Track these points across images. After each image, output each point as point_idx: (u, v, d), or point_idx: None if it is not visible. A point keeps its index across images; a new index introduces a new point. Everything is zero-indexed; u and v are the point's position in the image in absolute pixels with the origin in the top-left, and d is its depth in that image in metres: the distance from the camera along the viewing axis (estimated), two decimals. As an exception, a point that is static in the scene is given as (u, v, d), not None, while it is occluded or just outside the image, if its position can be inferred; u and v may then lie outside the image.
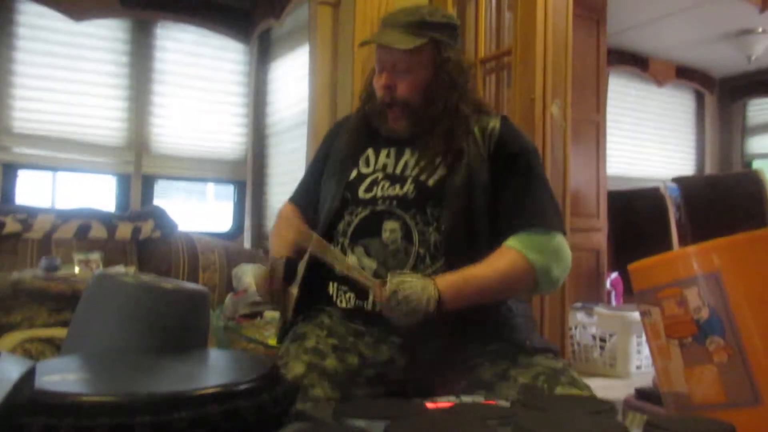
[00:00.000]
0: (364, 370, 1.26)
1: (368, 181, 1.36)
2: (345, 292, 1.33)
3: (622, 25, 4.24)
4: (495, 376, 1.22)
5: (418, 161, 1.34)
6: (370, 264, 1.29)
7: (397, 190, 1.32)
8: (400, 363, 1.28)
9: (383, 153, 1.38)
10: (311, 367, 1.21)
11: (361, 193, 1.35)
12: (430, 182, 1.32)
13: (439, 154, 1.32)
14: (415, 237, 1.28)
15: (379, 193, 1.33)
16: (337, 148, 1.44)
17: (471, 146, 1.33)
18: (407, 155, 1.36)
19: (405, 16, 1.32)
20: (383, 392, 1.26)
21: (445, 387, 1.24)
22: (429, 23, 1.31)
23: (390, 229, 1.29)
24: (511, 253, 1.25)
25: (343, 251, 1.32)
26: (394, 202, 1.31)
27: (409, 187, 1.32)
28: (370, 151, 1.39)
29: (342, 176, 1.38)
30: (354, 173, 1.38)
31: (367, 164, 1.38)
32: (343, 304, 1.33)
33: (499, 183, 1.32)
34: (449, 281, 1.19)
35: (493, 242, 1.28)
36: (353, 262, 1.29)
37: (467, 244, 1.28)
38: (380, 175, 1.35)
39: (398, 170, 1.35)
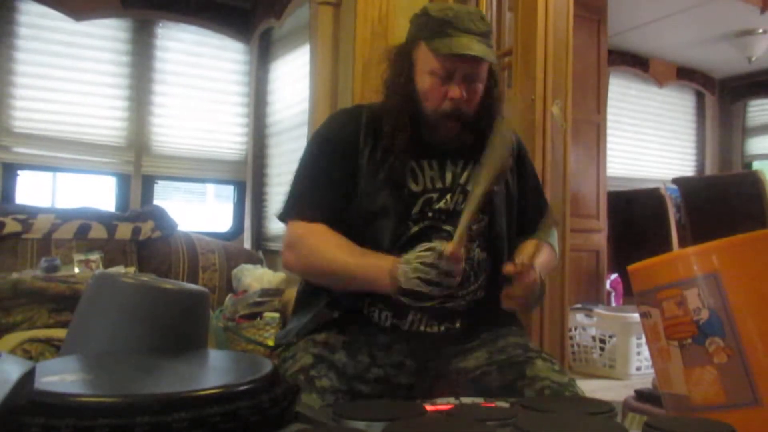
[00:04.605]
0: (373, 369, 1.26)
1: (421, 201, 1.30)
2: (381, 310, 1.29)
3: (623, 25, 4.25)
4: (502, 388, 1.23)
5: (463, 171, 1.33)
6: None
7: (445, 203, 1.30)
8: (410, 367, 1.28)
9: (426, 165, 1.32)
10: (319, 359, 1.21)
11: (414, 210, 1.29)
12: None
13: None
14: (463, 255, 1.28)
15: (428, 208, 1.30)
16: (375, 158, 1.29)
17: None
18: (450, 166, 1.32)
19: (478, 23, 1.22)
20: (389, 393, 1.25)
21: (451, 394, 1.25)
22: (491, 32, 1.27)
23: None
24: (547, 246, 1.39)
25: None
26: (443, 217, 1.29)
27: (458, 197, 1.31)
28: (413, 165, 1.30)
29: (397, 193, 1.28)
30: (405, 190, 1.29)
31: (416, 180, 1.31)
32: (379, 322, 1.29)
33: (519, 188, 1.41)
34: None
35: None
36: None
37: (502, 259, 1.30)
38: (430, 190, 1.30)
39: (448, 182, 1.32)
